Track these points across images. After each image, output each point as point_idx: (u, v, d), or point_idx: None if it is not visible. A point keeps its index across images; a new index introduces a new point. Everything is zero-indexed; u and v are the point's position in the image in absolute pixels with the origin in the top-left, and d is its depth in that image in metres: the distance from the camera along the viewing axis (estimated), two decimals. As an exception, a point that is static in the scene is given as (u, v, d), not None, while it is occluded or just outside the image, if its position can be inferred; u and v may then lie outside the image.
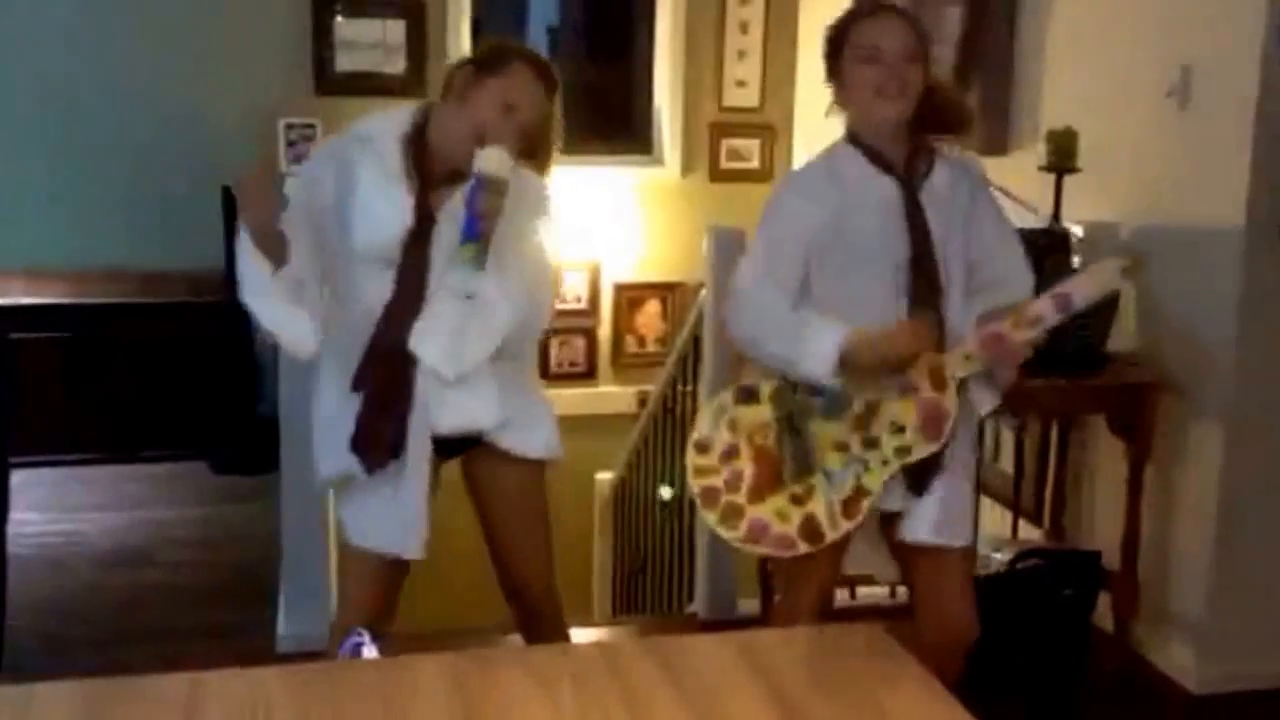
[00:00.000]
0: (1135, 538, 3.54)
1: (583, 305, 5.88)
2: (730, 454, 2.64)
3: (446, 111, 2.57)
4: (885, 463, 2.58)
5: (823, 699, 1.82)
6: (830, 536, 2.59)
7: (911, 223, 2.59)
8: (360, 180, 2.52)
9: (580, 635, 4.01)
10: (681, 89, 5.96)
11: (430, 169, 2.55)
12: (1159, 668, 3.62)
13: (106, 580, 4.75)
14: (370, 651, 1.97)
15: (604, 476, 5.78)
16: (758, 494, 2.61)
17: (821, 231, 2.60)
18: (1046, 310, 2.56)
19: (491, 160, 2.44)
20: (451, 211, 2.50)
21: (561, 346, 5.89)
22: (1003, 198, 2.84)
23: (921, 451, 2.57)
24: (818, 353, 2.54)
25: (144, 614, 4.43)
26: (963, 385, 2.60)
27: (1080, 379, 3.50)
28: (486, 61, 2.58)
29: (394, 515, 2.56)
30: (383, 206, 2.51)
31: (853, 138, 2.66)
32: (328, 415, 2.61)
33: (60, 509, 5.33)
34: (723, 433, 2.65)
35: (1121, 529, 3.55)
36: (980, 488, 4.14)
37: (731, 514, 2.62)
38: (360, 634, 2.01)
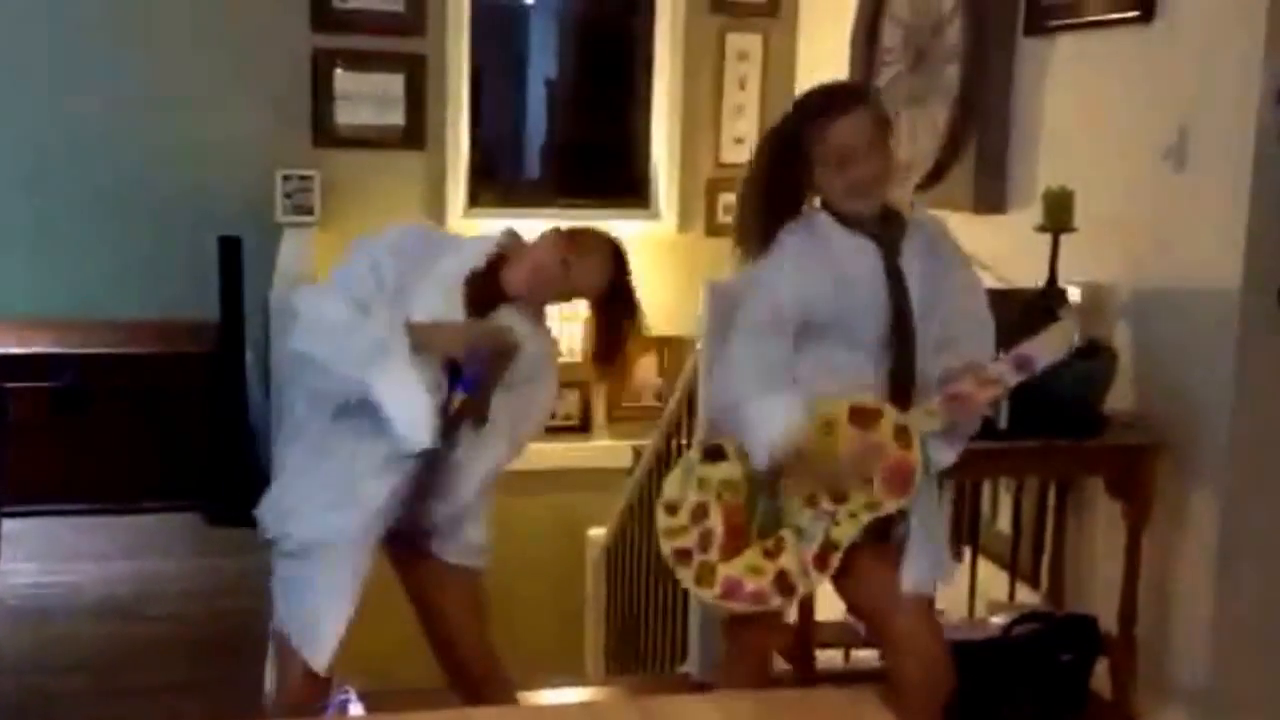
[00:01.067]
0: (1133, 601, 3.51)
1: (576, 359, 5.86)
2: (699, 514, 2.69)
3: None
4: (854, 516, 2.63)
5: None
6: (803, 589, 2.66)
7: (894, 291, 2.64)
8: (418, 292, 2.58)
9: (572, 694, 3.98)
10: (679, 144, 5.98)
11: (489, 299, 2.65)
12: (1157, 734, 3.58)
13: (98, 632, 4.70)
14: (356, 708, 1.94)
15: (597, 532, 5.74)
16: (729, 552, 2.66)
17: (818, 300, 2.62)
18: (1007, 371, 2.68)
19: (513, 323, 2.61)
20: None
21: (556, 400, 5.87)
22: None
23: (890, 506, 2.64)
24: (761, 442, 2.58)
25: (136, 667, 4.38)
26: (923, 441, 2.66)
27: (1078, 441, 3.48)
28: (568, 232, 2.73)
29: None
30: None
31: (826, 205, 2.69)
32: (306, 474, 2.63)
33: (52, 559, 5.28)
34: (690, 493, 2.70)
35: (1119, 593, 3.52)
36: (978, 549, 4.13)
37: (705, 573, 2.66)
38: (346, 691, 1.99)
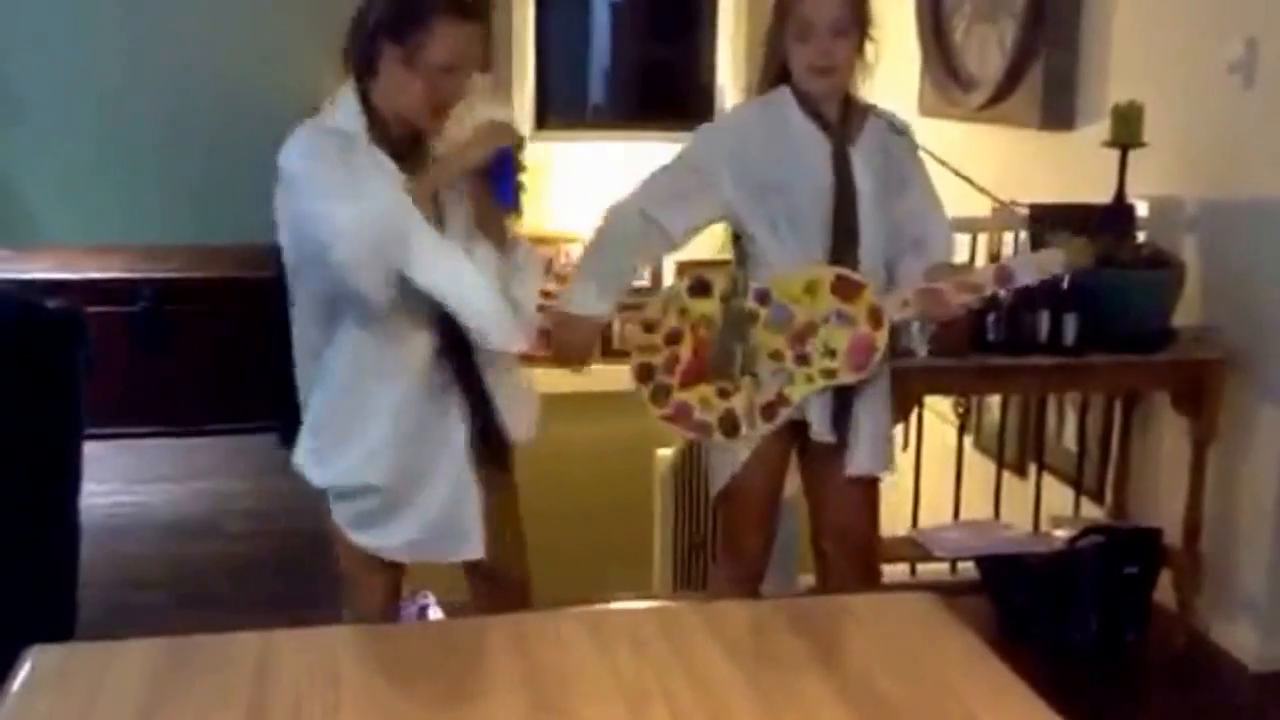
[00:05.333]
0: (1198, 515, 3.52)
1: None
2: (672, 338, 2.79)
3: (387, 93, 2.44)
4: (810, 380, 2.77)
5: (877, 664, 1.83)
6: (744, 433, 2.79)
7: (840, 177, 2.73)
8: (368, 179, 2.37)
9: (640, 605, 4.05)
10: (744, 65, 5.95)
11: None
12: (1220, 645, 3.60)
13: (174, 550, 4.83)
14: (436, 613, 2.01)
15: (664, 453, 5.79)
16: (688, 379, 2.79)
17: (753, 169, 2.73)
18: (987, 280, 2.78)
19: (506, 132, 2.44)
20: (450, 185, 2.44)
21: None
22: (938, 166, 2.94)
23: (845, 378, 2.77)
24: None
25: (210, 584, 4.50)
26: (895, 329, 2.81)
27: (1145, 356, 3.48)
28: (399, 28, 2.39)
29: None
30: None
31: (794, 88, 2.76)
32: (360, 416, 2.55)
33: (127, 480, 5.42)
34: (670, 317, 2.80)
35: (1184, 507, 3.53)
36: (1042, 465, 4.14)
37: (660, 394, 2.80)
38: (426, 597, 2.05)
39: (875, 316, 2.73)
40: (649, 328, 2.79)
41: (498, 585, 2.71)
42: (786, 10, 2.74)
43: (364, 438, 2.48)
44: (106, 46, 5.73)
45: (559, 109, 6.01)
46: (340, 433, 2.52)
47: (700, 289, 2.78)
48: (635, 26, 6.46)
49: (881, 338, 2.73)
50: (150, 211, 5.98)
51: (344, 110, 2.45)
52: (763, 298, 2.75)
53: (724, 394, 2.78)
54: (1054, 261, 2.82)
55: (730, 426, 2.79)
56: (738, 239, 2.85)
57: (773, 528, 3.02)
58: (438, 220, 2.41)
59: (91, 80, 5.82)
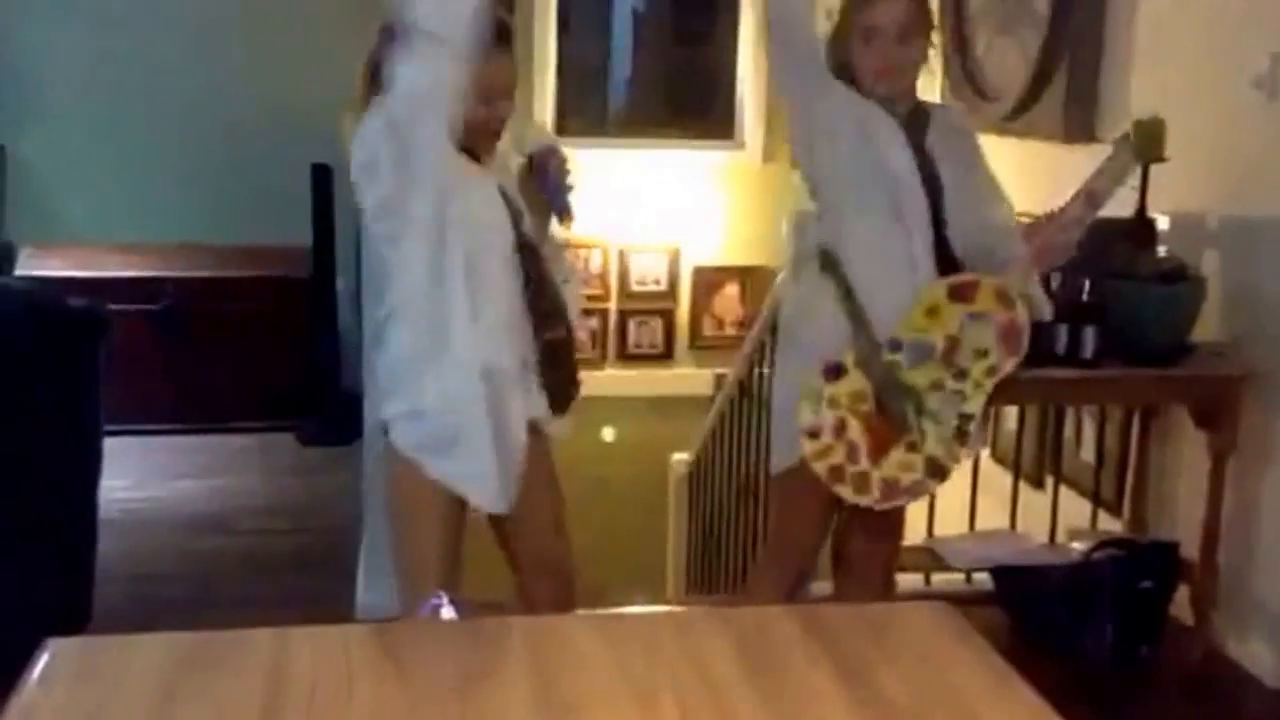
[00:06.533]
0: (1216, 529, 3.51)
1: (662, 287, 5.91)
2: (840, 429, 2.80)
3: None
4: (979, 385, 2.81)
5: (889, 671, 1.83)
6: (952, 468, 2.85)
7: (923, 165, 2.81)
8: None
9: (655, 610, 4.06)
10: (765, 74, 5.95)
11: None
12: (1237, 661, 3.58)
13: (190, 547, 4.86)
14: (449, 613, 2.02)
15: (680, 457, 5.80)
16: (877, 455, 2.80)
17: (856, 138, 2.78)
18: (1081, 210, 2.87)
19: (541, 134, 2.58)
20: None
21: (640, 328, 5.92)
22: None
23: (1008, 366, 2.81)
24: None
25: (226, 581, 4.53)
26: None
27: (1164, 370, 3.47)
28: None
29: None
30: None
31: (858, 84, 2.82)
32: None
33: (146, 476, 5.46)
34: (825, 414, 2.80)
35: (1202, 521, 3.52)
36: (1060, 477, 4.14)
37: (861, 483, 2.81)
38: (439, 596, 2.05)
39: (1003, 299, 2.78)
40: (814, 435, 2.81)
41: (545, 573, 2.78)
42: (851, 15, 2.79)
43: (451, 354, 2.54)
44: (132, 47, 5.77)
45: (579, 115, 6.03)
46: (427, 355, 2.57)
47: (835, 373, 2.80)
48: (657, 34, 6.48)
49: (1020, 313, 2.80)
50: (173, 210, 6.02)
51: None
52: (896, 346, 2.80)
53: (913, 447, 2.82)
54: (1126, 160, 2.91)
55: (938, 471, 2.84)
56: (826, 257, 2.85)
57: (828, 522, 3.04)
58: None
59: (117, 80, 5.86)
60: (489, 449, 2.57)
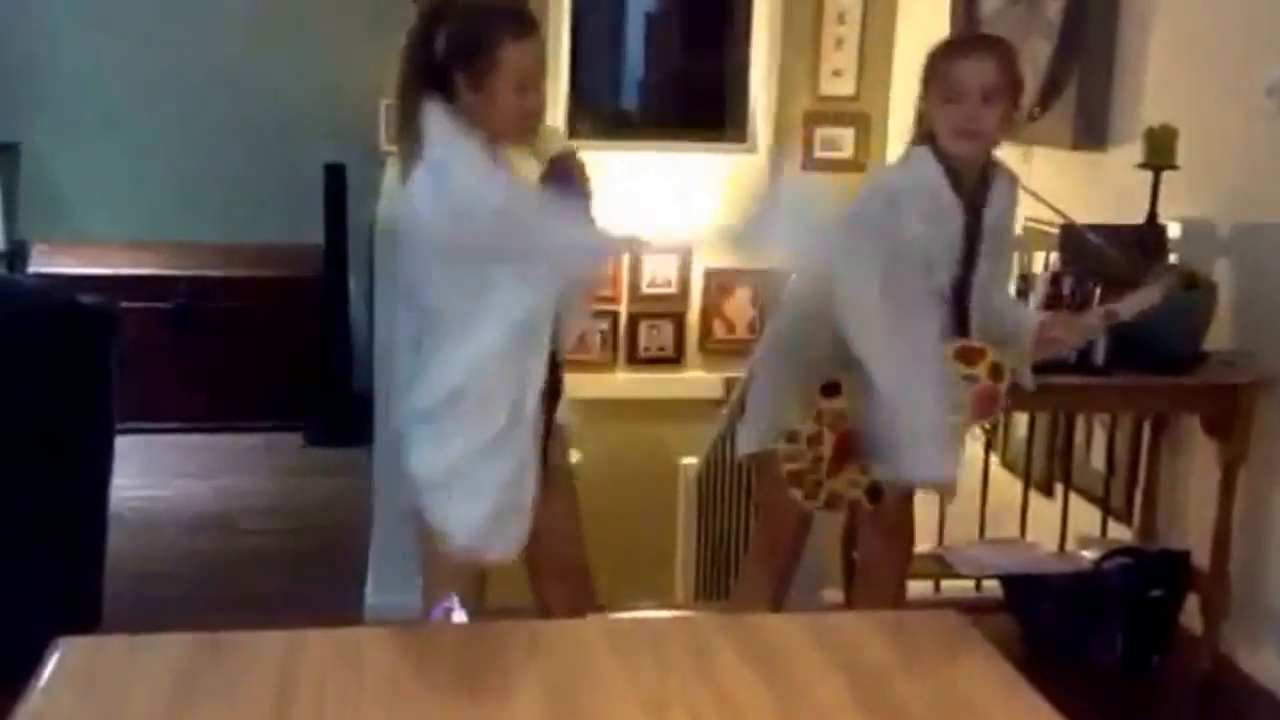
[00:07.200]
0: (1227, 538, 3.50)
1: (672, 290, 5.89)
2: (815, 440, 2.94)
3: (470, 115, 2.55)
4: None
5: (899, 679, 1.83)
6: (888, 493, 3.00)
7: (968, 248, 2.85)
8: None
9: (663, 614, 4.06)
10: (777, 77, 5.95)
11: None
12: (1246, 671, 3.57)
13: (198, 546, 4.87)
14: (460, 617, 2.02)
15: (689, 461, 5.80)
16: (834, 470, 2.96)
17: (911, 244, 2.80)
18: (1097, 322, 3.05)
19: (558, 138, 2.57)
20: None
21: (650, 331, 5.91)
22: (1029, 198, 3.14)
23: (970, 427, 3.00)
24: None
25: (234, 580, 4.53)
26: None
27: (1175, 378, 3.47)
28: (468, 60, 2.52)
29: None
30: None
31: (936, 149, 2.81)
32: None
33: (154, 474, 5.46)
34: (809, 424, 2.94)
35: (1212, 529, 3.51)
36: (1069, 485, 4.13)
37: (813, 488, 2.97)
38: (451, 600, 2.06)
39: (996, 373, 2.88)
40: (792, 438, 2.95)
41: (572, 584, 2.81)
42: (935, 72, 2.80)
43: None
44: (146, 45, 5.78)
45: (592, 118, 6.02)
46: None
47: (832, 390, 2.92)
48: (669, 37, 6.47)
49: (1004, 388, 2.91)
50: (185, 208, 6.03)
51: (439, 128, 2.54)
52: None
53: (863, 470, 2.95)
54: (1152, 295, 3.00)
55: (875, 495, 3.00)
56: None
57: (803, 514, 3.12)
58: None
59: (129, 78, 5.87)
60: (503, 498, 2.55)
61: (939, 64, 2.80)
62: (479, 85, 2.50)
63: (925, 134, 2.83)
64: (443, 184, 2.49)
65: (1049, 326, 2.99)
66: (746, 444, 3.18)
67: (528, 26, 2.55)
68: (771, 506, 3.24)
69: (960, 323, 2.90)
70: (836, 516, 3.31)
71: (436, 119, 2.54)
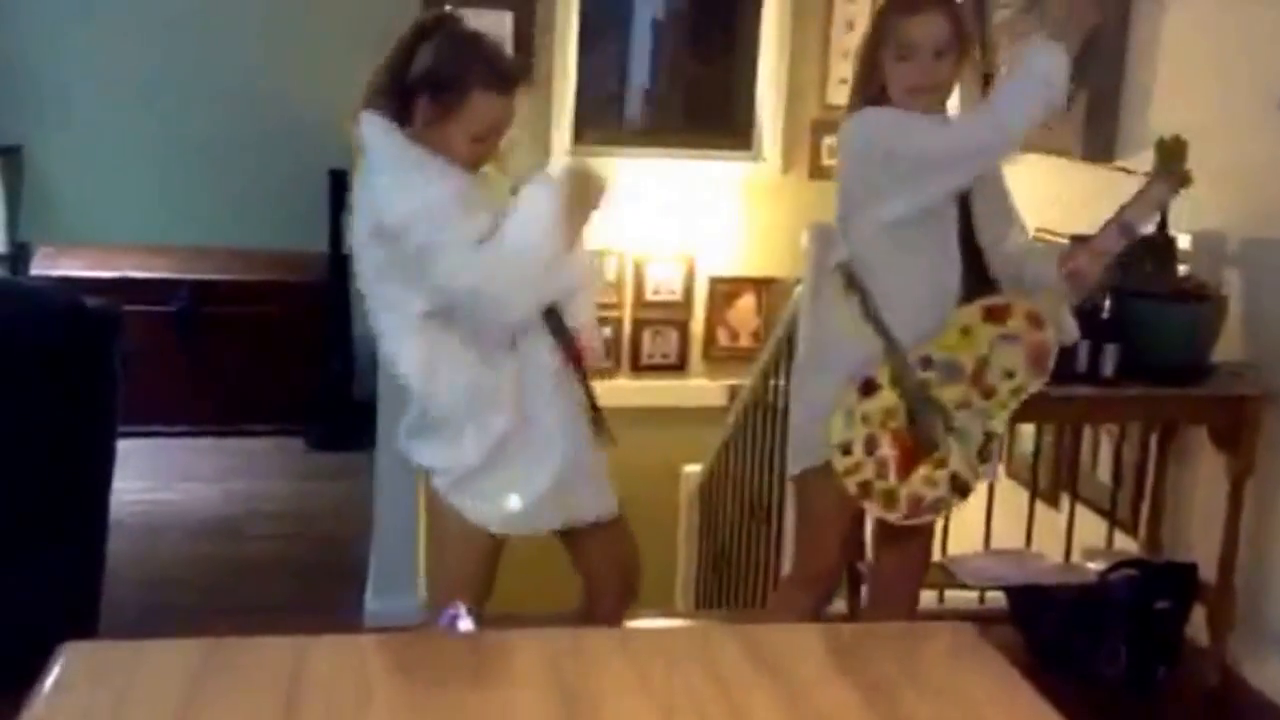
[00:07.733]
0: (1234, 551, 3.48)
1: (676, 297, 5.89)
2: (871, 446, 2.83)
3: (425, 138, 2.52)
4: (1004, 405, 2.86)
5: (909, 691, 1.82)
6: (975, 485, 2.91)
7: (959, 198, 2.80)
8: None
9: (665, 623, 4.04)
10: (785, 85, 5.95)
11: None
12: (1252, 683, 3.56)
13: (200, 551, 4.86)
14: (466, 625, 2.01)
15: (691, 469, 5.78)
16: (904, 472, 2.84)
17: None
18: (1114, 239, 2.87)
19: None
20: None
21: (654, 338, 5.90)
22: None
23: (1034, 386, 2.85)
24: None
25: (236, 586, 4.52)
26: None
27: (1183, 390, 3.45)
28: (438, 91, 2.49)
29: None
30: None
31: (890, 100, 2.80)
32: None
33: (157, 478, 5.45)
34: (858, 429, 2.82)
35: (1220, 542, 3.49)
36: (1076, 497, 4.11)
37: (889, 498, 2.85)
38: (457, 607, 2.04)
39: (1034, 321, 2.82)
40: (846, 450, 2.84)
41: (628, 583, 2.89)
42: (886, 31, 2.77)
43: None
44: (151, 50, 5.78)
45: (598, 125, 6.01)
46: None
47: (869, 389, 2.82)
48: (676, 44, 6.46)
49: (1050, 335, 2.84)
50: (190, 212, 6.03)
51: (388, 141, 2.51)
52: (927, 363, 2.82)
53: (940, 464, 2.85)
54: (1160, 194, 2.94)
55: (962, 488, 2.89)
56: (849, 275, 2.86)
57: (847, 528, 3.07)
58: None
59: (133, 82, 5.87)
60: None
61: (888, 22, 2.77)
62: (438, 118, 2.47)
63: (875, 94, 2.80)
64: (368, 195, 2.50)
65: (1068, 258, 2.87)
66: (793, 464, 3.06)
67: (507, 83, 2.51)
68: (818, 525, 3.07)
69: (978, 274, 2.85)
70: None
71: (375, 132, 2.53)
